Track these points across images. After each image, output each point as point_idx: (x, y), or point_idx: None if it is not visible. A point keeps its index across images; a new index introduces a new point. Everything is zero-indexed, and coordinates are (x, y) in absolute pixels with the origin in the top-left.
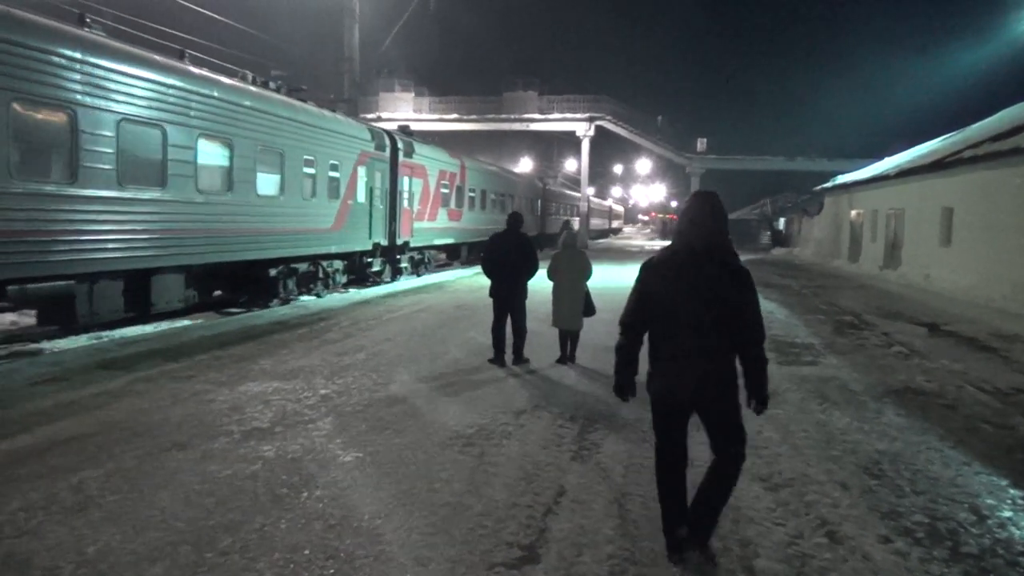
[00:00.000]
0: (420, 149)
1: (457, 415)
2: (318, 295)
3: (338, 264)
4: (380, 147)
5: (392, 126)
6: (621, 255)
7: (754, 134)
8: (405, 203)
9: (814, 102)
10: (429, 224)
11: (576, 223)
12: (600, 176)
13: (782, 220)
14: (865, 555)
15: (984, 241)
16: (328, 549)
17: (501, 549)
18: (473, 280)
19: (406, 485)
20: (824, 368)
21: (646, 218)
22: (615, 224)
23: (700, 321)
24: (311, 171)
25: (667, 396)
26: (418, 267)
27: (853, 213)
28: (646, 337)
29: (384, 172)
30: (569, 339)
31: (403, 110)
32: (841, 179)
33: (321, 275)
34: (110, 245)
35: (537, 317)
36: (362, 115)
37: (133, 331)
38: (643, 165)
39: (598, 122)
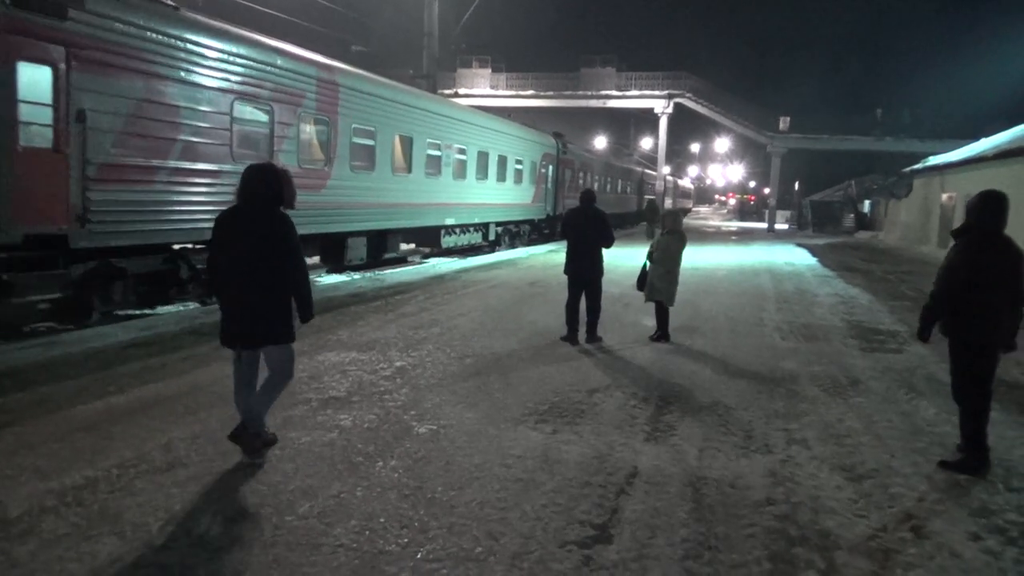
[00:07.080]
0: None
1: (530, 391)
2: None
3: None
4: None
5: (470, 102)
6: (698, 236)
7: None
8: None
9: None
10: (123, 192)
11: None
12: (676, 155)
13: (867, 203)
14: (953, 552)
15: None
16: (403, 518)
17: (573, 527)
18: (548, 257)
19: (479, 459)
20: (910, 356)
21: (722, 198)
22: (687, 204)
23: None
24: None
25: None
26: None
27: (945, 197)
28: None
29: None
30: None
31: (480, 86)
32: (933, 160)
33: None
34: None
35: (609, 295)
36: (441, 91)
37: None
38: (721, 144)
39: (677, 99)
